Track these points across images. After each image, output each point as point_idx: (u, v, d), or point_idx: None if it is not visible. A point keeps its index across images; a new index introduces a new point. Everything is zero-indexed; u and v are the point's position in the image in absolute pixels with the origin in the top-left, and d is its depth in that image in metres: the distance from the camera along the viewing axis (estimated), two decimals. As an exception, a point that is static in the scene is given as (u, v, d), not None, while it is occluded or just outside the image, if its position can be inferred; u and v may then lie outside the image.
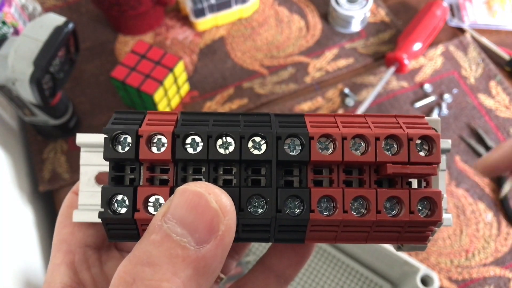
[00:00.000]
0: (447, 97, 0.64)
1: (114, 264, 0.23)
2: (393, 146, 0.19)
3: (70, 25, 0.49)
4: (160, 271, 0.15)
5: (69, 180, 0.58)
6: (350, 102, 0.63)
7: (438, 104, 0.63)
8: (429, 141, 0.19)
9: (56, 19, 0.49)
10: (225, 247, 0.16)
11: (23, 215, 0.54)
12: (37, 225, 0.56)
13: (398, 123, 0.20)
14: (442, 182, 0.21)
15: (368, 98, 0.61)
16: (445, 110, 0.63)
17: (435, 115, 0.62)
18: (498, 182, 0.58)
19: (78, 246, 0.22)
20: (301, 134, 0.19)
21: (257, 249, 0.55)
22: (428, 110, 0.63)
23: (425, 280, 0.48)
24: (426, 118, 0.20)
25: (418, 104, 0.63)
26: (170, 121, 0.20)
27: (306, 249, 0.24)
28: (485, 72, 0.66)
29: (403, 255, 0.49)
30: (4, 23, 0.56)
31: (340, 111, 0.63)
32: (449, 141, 0.21)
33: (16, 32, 0.58)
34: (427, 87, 0.65)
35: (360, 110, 0.61)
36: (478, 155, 0.60)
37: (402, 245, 0.21)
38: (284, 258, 0.24)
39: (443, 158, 0.21)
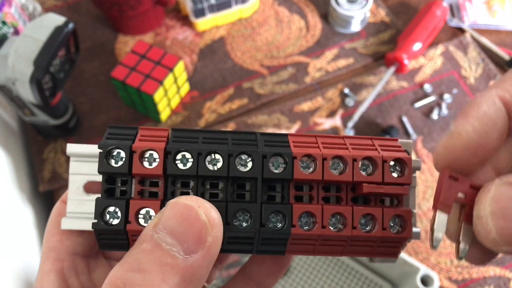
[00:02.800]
0: (447, 97, 0.64)
1: (102, 272, 0.24)
2: (369, 167, 0.21)
3: (70, 25, 0.49)
4: (150, 277, 0.16)
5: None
6: (350, 102, 0.63)
7: (438, 104, 0.63)
8: (402, 164, 0.21)
9: (56, 19, 0.49)
10: (211, 258, 0.17)
11: (23, 215, 0.54)
12: (37, 225, 0.56)
13: (373, 145, 0.22)
14: (413, 199, 0.23)
15: (368, 98, 0.62)
16: (445, 110, 0.63)
17: (435, 115, 0.62)
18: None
19: (66, 254, 0.22)
20: (285, 154, 0.20)
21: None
22: (428, 110, 0.63)
23: (425, 280, 0.48)
24: (399, 141, 0.22)
25: (418, 104, 0.63)
26: (162, 137, 0.21)
27: (285, 260, 0.26)
28: (485, 72, 0.66)
29: (402, 255, 0.49)
30: (4, 23, 0.56)
31: (340, 111, 0.63)
32: (420, 160, 0.22)
33: (16, 32, 0.58)
34: (427, 87, 0.65)
35: (360, 110, 0.61)
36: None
37: (374, 257, 0.22)
38: (264, 267, 0.25)
39: (414, 176, 0.23)
